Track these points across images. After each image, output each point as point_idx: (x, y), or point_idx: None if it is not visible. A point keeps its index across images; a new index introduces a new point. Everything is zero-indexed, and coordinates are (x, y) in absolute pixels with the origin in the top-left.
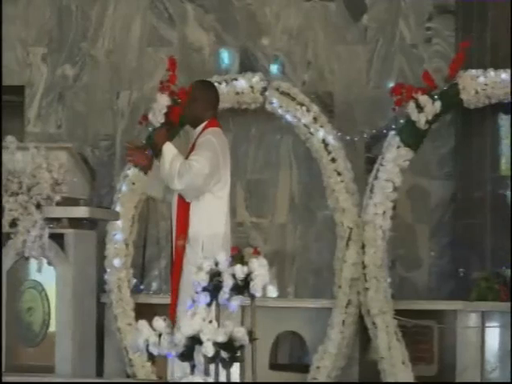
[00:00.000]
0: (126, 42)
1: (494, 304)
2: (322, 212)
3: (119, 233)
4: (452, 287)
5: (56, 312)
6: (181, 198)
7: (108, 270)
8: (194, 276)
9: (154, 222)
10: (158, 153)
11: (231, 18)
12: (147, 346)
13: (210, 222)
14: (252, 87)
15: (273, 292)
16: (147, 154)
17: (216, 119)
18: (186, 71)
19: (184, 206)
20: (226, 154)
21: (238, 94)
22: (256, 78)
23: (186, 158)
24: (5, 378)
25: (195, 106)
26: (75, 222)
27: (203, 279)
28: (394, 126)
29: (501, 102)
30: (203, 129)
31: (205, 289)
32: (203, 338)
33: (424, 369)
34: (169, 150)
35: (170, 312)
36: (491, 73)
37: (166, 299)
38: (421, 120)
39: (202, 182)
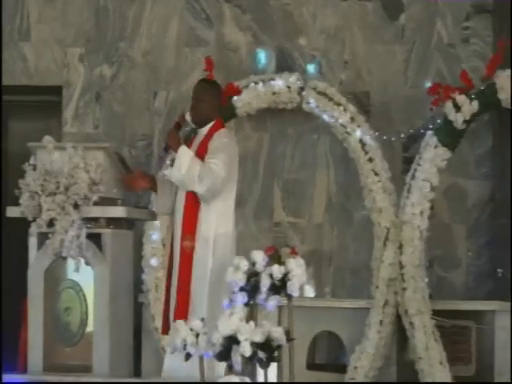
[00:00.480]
0: (163, 42)
1: None
2: (359, 212)
3: (156, 233)
4: (490, 287)
5: (94, 312)
6: (189, 199)
7: (145, 270)
8: (231, 276)
9: None
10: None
11: (268, 17)
12: (184, 345)
13: (220, 222)
14: (289, 87)
15: (310, 292)
16: (147, 175)
17: (222, 118)
18: (222, 71)
19: (193, 207)
20: (236, 154)
21: (274, 94)
22: (293, 78)
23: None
24: (43, 378)
25: (203, 106)
26: (112, 222)
27: (240, 279)
28: (431, 126)
29: None
30: (212, 129)
31: (242, 289)
32: (241, 337)
33: (462, 369)
34: (185, 153)
35: (177, 312)
36: None
37: None
38: (458, 120)
39: (220, 186)
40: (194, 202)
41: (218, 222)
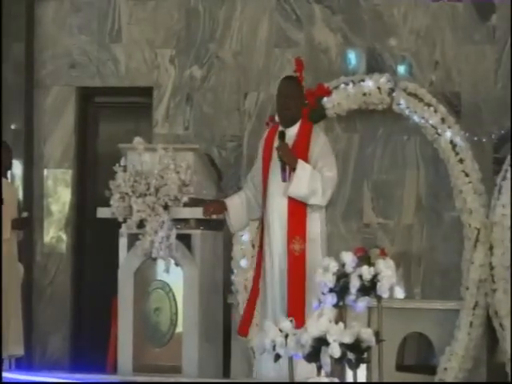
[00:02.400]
0: (253, 43)
1: None
2: (449, 213)
3: (246, 234)
4: None
5: (183, 312)
6: (293, 203)
7: (234, 271)
8: (320, 277)
9: None
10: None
11: (358, 18)
12: (274, 346)
13: (323, 221)
14: (379, 88)
15: (400, 293)
16: (215, 202)
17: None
18: (312, 72)
19: (300, 210)
20: None
21: (365, 94)
22: (383, 79)
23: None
24: (133, 378)
25: (293, 103)
26: (202, 223)
27: (330, 280)
28: None
29: None
30: (304, 128)
31: (331, 290)
32: (330, 338)
33: None
34: (303, 167)
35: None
36: None
37: None
38: None
39: (335, 188)
40: (298, 204)
41: (321, 221)
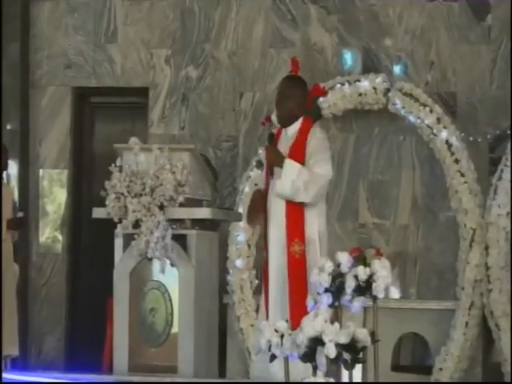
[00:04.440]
0: (248, 43)
1: None
2: (445, 213)
3: (241, 234)
4: None
5: (179, 313)
6: (291, 205)
7: (230, 271)
8: (315, 277)
9: None
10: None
11: (354, 18)
12: (269, 346)
13: (320, 221)
14: (375, 88)
15: (395, 293)
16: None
17: (308, 115)
18: (308, 72)
19: (297, 211)
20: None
21: (360, 95)
22: (379, 79)
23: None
24: (129, 378)
25: (290, 103)
26: (198, 223)
27: (325, 280)
28: None
29: None
30: (303, 128)
31: (327, 290)
32: (325, 339)
33: None
34: (290, 166)
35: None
36: None
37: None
38: None
39: (327, 186)
40: (296, 206)
41: (319, 221)
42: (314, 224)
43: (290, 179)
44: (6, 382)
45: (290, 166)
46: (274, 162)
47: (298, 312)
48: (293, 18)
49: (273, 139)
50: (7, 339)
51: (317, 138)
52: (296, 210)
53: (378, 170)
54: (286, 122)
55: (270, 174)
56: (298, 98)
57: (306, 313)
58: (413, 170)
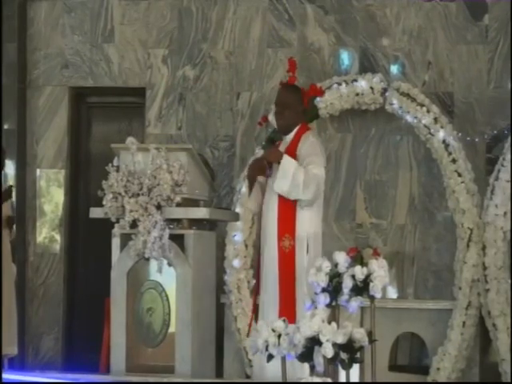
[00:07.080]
0: (245, 43)
1: None
2: (442, 213)
3: (239, 234)
4: None
5: (176, 312)
6: (283, 201)
7: (227, 271)
8: (313, 277)
9: None
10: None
11: (351, 18)
12: (266, 346)
13: (313, 222)
14: (372, 88)
15: (393, 293)
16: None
17: (306, 121)
18: (305, 72)
19: (289, 208)
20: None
21: (357, 94)
22: (376, 79)
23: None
24: (126, 378)
25: (289, 113)
26: (195, 223)
27: (323, 280)
28: None
29: None
30: (298, 133)
31: (324, 290)
32: (323, 338)
33: None
34: (289, 162)
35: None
36: None
37: None
38: None
39: (323, 187)
40: (288, 202)
41: (310, 221)
42: (306, 223)
43: (289, 175)
44: (4, 382)
45: (288, 162)
46: (274, 159)
47: (285, 307)
48: (290, 17)
49: (272, 142)
50: (6, 338)
51: (309, 141)
52: (288, 206)
53: (375, 169)
54: (286, 131)
55: (269, 168)
56: (295, 106)
57: (293, 308)
58: (410, 169)
